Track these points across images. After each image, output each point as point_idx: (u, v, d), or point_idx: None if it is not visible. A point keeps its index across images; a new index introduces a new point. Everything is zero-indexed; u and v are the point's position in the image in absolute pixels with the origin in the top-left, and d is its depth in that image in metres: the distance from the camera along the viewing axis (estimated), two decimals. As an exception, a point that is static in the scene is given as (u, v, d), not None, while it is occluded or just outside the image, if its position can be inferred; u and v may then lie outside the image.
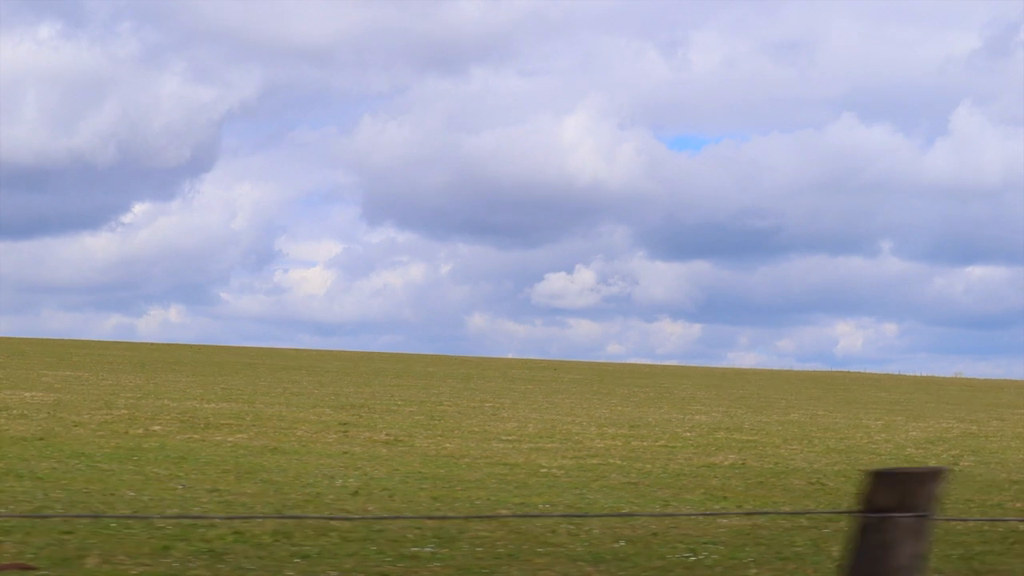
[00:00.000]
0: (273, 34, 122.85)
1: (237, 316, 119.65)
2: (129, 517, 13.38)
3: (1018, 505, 18.57)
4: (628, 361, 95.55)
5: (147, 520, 13.06)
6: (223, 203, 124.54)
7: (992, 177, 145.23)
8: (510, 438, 25.46)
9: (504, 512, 15.73)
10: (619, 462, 21.87)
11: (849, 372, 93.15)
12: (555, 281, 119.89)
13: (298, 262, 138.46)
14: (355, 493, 16.62)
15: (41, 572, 10.88)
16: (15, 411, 25.87)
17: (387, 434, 24.99)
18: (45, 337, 72.68)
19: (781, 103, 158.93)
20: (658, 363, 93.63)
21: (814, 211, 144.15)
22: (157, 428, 23.91)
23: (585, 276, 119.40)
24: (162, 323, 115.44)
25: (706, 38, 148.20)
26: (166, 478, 17.21)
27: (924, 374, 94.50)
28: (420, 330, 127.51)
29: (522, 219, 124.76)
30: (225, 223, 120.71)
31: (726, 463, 22.53)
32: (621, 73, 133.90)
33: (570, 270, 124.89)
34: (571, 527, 13.93)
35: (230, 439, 22.74)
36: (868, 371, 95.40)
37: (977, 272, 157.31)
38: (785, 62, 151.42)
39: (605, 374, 66.38)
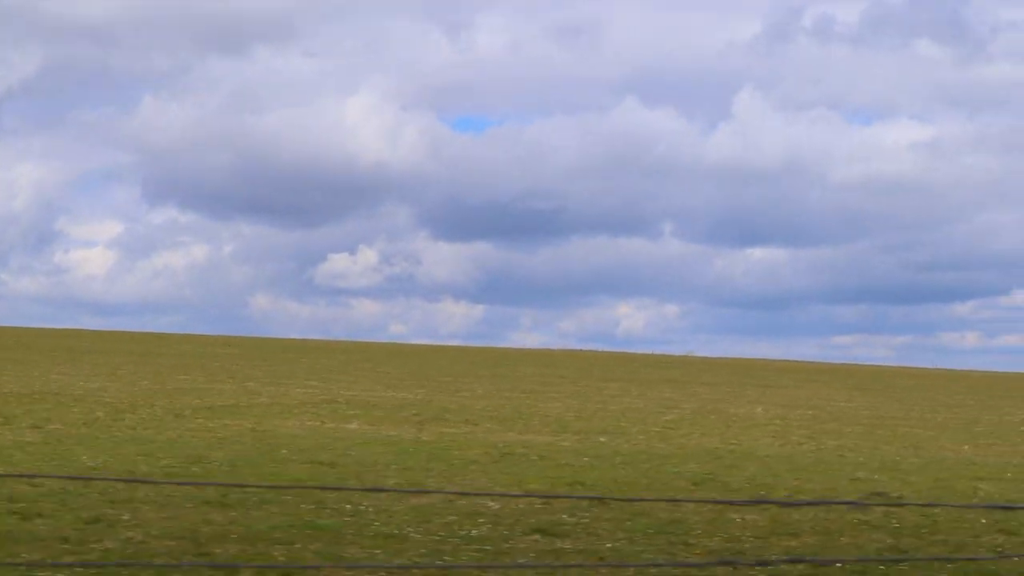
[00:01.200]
0: (53, 12, 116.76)
1: (17, 297, 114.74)
2: None
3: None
4: (411, 341, 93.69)
5: None
6: (2, 184, 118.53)
7: (772, 161, 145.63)
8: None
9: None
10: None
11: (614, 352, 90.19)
12: (338, 262, 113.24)
13: (79, 243, 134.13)
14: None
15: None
16: None
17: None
18: None
19: (565, 86, 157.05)
20: (440, 343, 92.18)
21: (597, 193, 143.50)
22: None
23: (368, 257, 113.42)
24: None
25: (491, 21, 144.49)
26: None
27: (701, 355, 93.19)
28: (202, 311, 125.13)
29: (306, 200, 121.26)
30: (4, 204, 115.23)
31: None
32: (405, 55, 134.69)
33: (353, 251, 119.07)
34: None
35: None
36: (652, 351, 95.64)
37: (757, 254, 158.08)
38: (570, 45, 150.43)
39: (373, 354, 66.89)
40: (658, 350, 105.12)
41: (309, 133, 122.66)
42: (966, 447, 27.29)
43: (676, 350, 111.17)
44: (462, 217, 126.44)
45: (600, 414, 31.69)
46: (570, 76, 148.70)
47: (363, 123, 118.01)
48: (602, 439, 25.25)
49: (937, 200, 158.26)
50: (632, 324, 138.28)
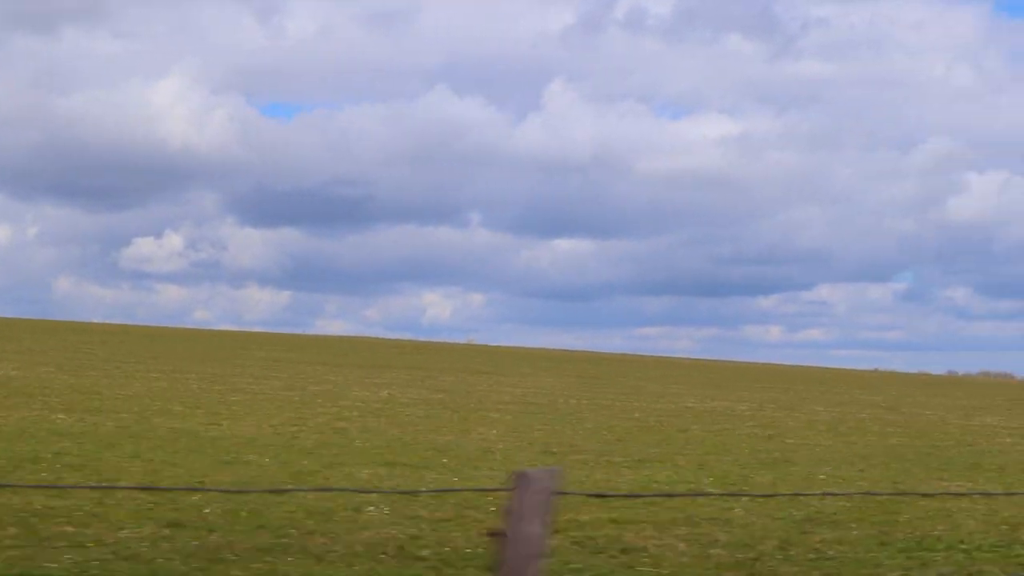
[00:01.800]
0: None
1: None
2: None
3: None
4: (215, 327, 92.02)
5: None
6: None
7: (581, 152, 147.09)
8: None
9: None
10: None
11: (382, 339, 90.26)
12: (143, 246, 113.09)
13: None
14: None
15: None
16: None
17: None
18: None
19: (375, 73, 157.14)
20: (243, 329, 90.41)
21: (405, 181, 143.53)
22: None
23: (174, 241, 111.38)
24: None
25: (302, 5, 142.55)
26: None
27: (508, 344, 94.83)
28: (3, 293, 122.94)
29: (111, 183, 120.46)
30: None
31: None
32: (216, 38, 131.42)
33: (159, 235, 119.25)
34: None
35: None
36: (452, 340, 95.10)
37: (564, 245, 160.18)
38: (381, 32, 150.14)
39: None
40: (463, 339, 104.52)
41: (117, 115, 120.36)
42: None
43: (482, 339, 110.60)
44: (269, 203, 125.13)
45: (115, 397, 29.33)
46: (381, 63, 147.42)
47: (171, 106, 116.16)
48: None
49: (744, 195, 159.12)
50: (438, 313, 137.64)
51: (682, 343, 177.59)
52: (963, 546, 13.93)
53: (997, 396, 56.61)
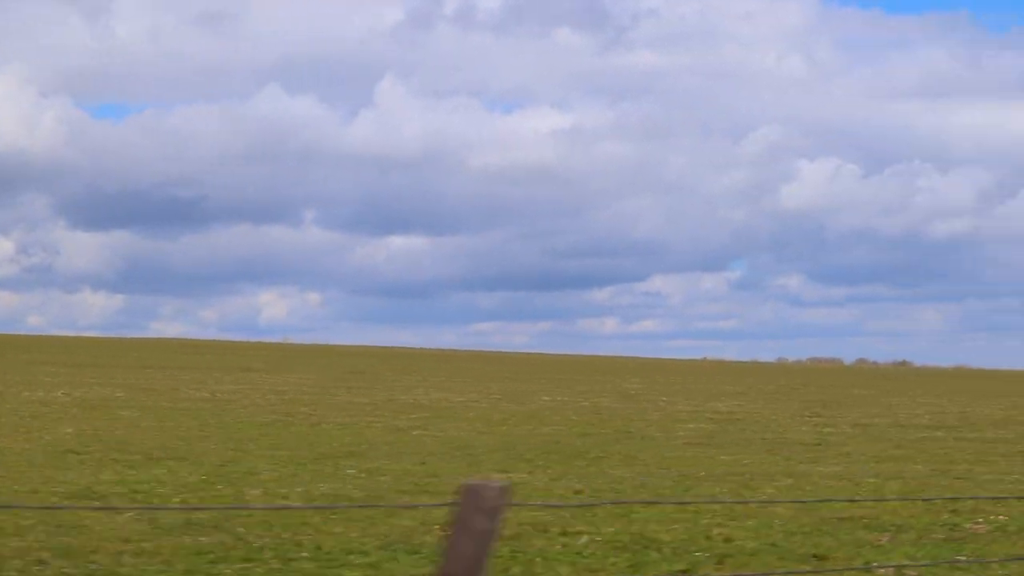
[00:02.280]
0: None
1: None
2: None
3: None
4: (48, 333, 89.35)
5: None
6: None
7: (413, 148, 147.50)
8: None
9: None
10: None
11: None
12: None
13: None
14: None
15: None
16: None
17: None
18: None
19: (207, 72, 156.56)
20: (77, 334, 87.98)
21: (239, 181, 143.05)
22: None
23: (4, 246, 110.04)
24: None
25: (131, 5, 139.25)
26: None
27: (346, 343, 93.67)
28: None
29: None
30: None
31: None
32: (44, 39, 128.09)
33: None
34: None
35: None
36: (299, 341, 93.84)
37: (398, 242, 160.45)
38: (212, 31, 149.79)
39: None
40: (298, 339, 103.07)
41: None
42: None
43: (318, 339, 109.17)
44: (101, 206, 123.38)
45: None
46: (212, 63, 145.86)
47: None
48: None
49: (577, 187, 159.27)
50: (274, 313, 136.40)
51: (519, 338, 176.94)
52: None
53: (775, 381, 56.05)
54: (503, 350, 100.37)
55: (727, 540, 13.18)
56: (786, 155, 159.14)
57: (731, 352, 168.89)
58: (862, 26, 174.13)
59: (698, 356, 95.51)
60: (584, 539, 12.86)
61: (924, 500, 15.82)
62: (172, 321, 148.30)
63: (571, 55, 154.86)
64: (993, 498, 15.85)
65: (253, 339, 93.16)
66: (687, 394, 42.96)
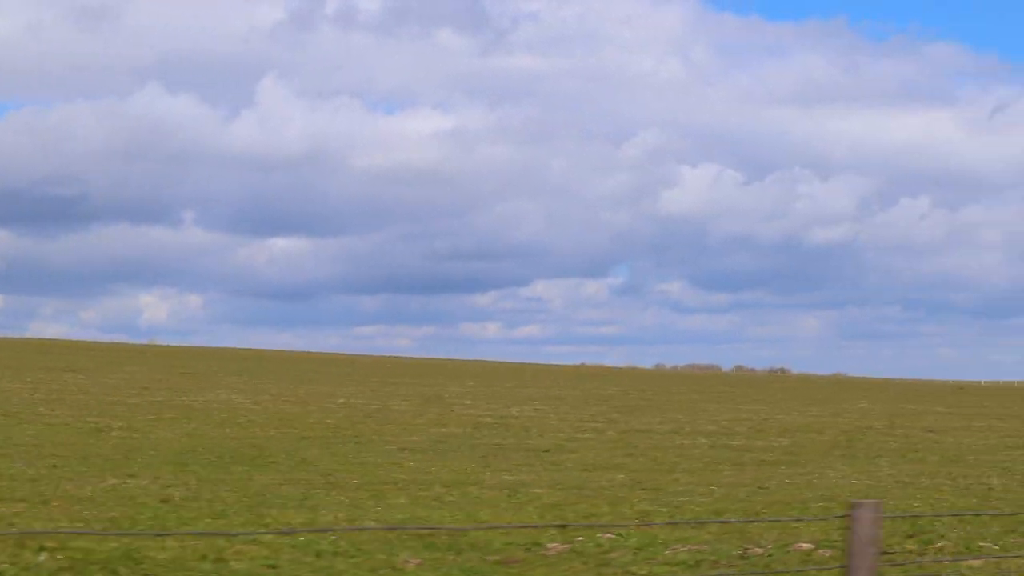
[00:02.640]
0: None
1: None
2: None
3: None
4: None
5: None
6: None
7: (295, 149, 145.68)
8: None
9: None
10: None
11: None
12: None
13: None
14: None
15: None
16: None
17: None
18: None
19: (86, 70, 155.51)
20: None
21: (118, 180, 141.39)
22: None
23: None
24: None
25: (8, 2, 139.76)
26: None
27: (223, 345, 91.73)
28: None
29: None
30: None
31: None
32: None
33: None
34: None
35: None
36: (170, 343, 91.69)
37: (280, 243, 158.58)
38: (91, 29, 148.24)
39: None
40: (179, 341, 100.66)
41: None
42: None
43: (200, 341, 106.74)
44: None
45: None
46: (92, 60, 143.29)
47: None
48: None
49: (459, 190, 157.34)
50: (155, 314, 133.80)
51: (401, 342, 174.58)
52: None
53: (609, 386, 54.63)
54: (385, 354, 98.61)
55: (218, 560, 11.29)
56: (667, 160, 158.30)
57: (613, 358, 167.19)
58: (741, 32, 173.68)
59: (578, 362, 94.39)
60: (43, 555, 10.95)
61: (526, 527, 14.01)
62: (52, 321, 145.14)
63: (452, 57, 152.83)
64: (600, 526, 14.05)
65: (134, 341, 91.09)
66: (498, 399, 41.29)
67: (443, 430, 27.92)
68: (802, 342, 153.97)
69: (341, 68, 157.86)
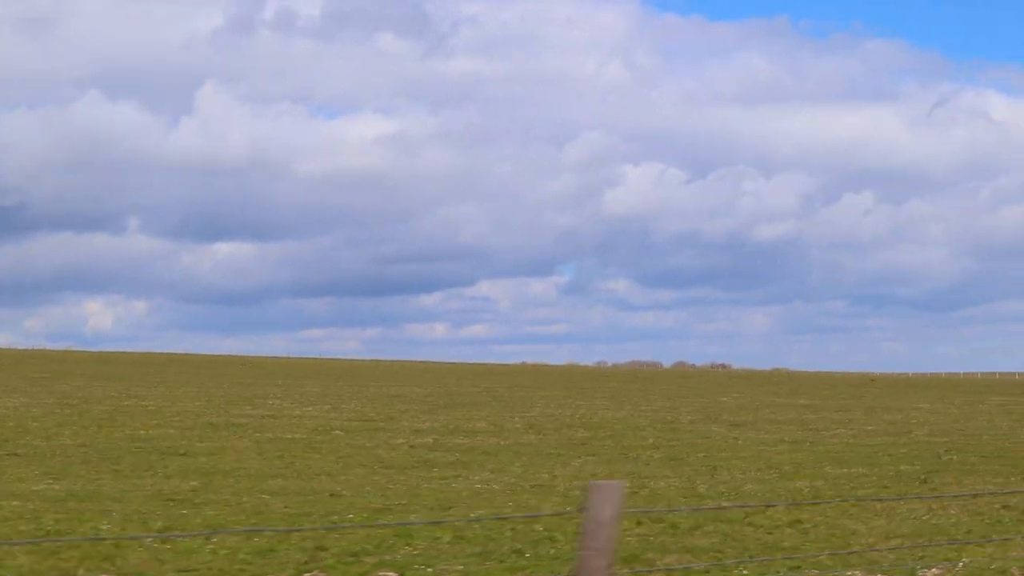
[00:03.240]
0: None
1: None
2: None
3: None
4: None
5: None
6: None
7: (237, 155, 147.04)
8: None
9: None
10: None
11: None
12: None
13: None
14: None
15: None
16: None
17: None
18: None
19: (27, 79, 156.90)
20: None
21: (60, 188, 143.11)
22: None
23: None
24: None
25: None
26: None
27: (173, 351, 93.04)
28: None
29: None
30: None
31: None
32: None
33: None
34: None
35: None
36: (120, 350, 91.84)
37: (225, 249, 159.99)
38: (31, 36, 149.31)
39: None
40: (125, 347, 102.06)
41: None
42: None
43: (146, 347, 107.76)
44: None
45: None
46: (32, 69, 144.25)
47: None
48: None
49: (402, 193, 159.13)
50: (100, 322, 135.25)
51: (350, 344, 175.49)
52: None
53: (504, 382, 56.22)
54: (334, 356, 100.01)
55: None
56: (610, 160, 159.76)
57: (560, 356, 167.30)
58: (683, 32, 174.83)
59: (523, 360, 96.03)
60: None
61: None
62: None
63: (394, 61, 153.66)
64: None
65: (79, 348, 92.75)
66: (344, 398, 43.02)
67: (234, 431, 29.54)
68: (749, 338, 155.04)
69: (282, 74, 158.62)
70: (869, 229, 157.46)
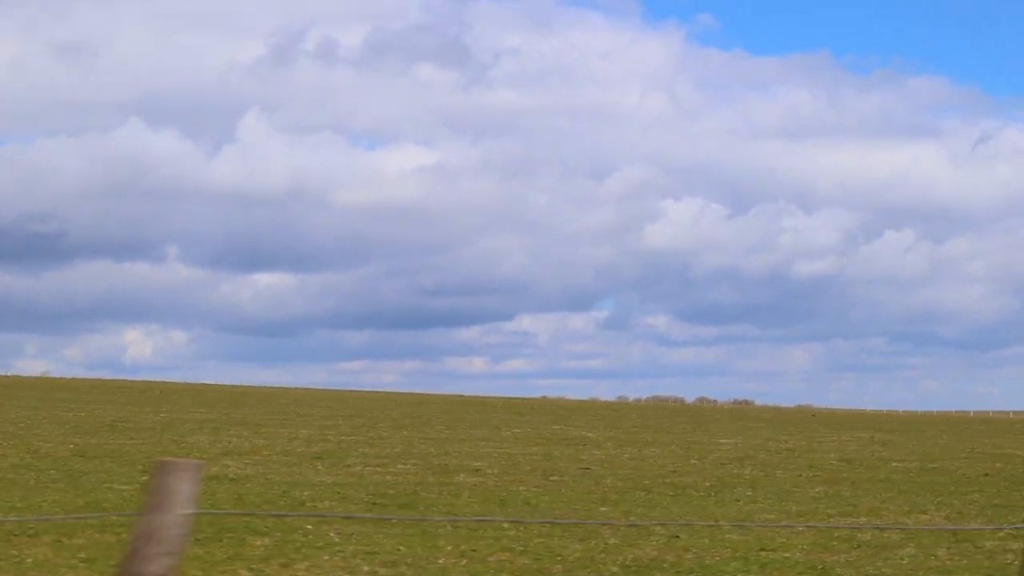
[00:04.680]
0: None
1: None
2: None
3: None
4: None
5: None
6: None
7: (277, 185, 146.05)
8: None
9: None
10: None
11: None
12: None
13: None
14: None
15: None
16: None
17: None
18: None
19: (69, 105, 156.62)
20: None
21: (100, 216, 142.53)
22: None
23: None
24: None
25: None
26: None
27: (210, 382, 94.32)
28: None
29: None
30: None
31: None
32: None
33: None
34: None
35: None
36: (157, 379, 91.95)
37: (264, 279, 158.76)
38: (73, 64, 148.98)
39: None
40: (164, 377, 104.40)
41: None
42: None
43: (184, 376, 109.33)
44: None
45: None
46: (74, 96, 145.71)
47: None
48: None
49: (441, 225, 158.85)
50: (139, 351, 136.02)
51: (388, 376, 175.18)
52: None
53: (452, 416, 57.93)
54: (371, 389, 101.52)
55: None
56: (650, 194, 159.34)
57: (602, 391, 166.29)
58: (725, 66, 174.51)
59: (574, 396, 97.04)
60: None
61: None
62: (36, 359, 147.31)
63: (434, 92, 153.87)
64: None
65: (119, 377, 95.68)
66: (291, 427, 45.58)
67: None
68: (788, 375, 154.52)
69: (323, 103, 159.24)
70: (910, 266, 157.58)
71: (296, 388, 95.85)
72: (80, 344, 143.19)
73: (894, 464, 32.45)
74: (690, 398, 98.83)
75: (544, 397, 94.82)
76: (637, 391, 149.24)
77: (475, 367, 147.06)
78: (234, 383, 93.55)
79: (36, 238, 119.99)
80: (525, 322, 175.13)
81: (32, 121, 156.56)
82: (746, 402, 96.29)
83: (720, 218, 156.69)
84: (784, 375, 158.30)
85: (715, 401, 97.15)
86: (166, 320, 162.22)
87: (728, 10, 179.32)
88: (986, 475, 29.15)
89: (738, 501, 21.67)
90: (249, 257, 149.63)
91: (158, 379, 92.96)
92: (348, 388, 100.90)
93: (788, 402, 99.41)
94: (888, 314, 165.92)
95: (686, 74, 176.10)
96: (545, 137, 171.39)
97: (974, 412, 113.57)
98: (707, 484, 24.72)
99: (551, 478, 25.33)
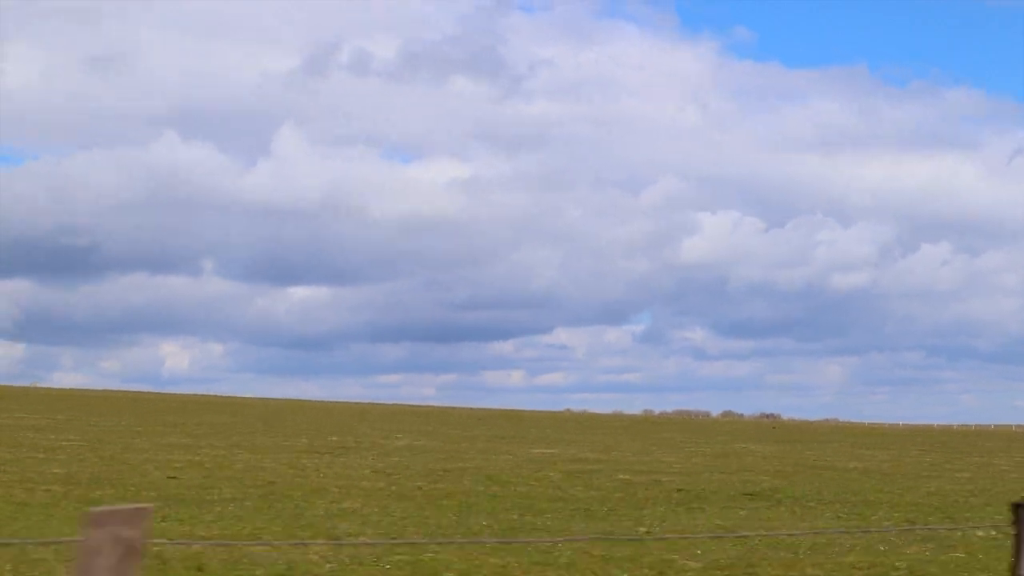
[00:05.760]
0: None
1: None
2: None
3: None
4: None
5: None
6: None
7: (311, 197, 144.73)
8: None
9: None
10: None
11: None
12: None
13: None
14: None
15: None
16: None
17: None
18: None
19: (103, 119, 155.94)
20: None
21: (135, 229, 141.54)
22: None
23: None
24: None
25: (20, 50, 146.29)
26: None
27: (245, 395, 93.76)
28: None
29: None
30: None
31: None
32: None
33: None
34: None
35: None
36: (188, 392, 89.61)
37: (299, 293, 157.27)
38: (107, 77, 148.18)
39: None
40: (200, 390, 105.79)
41: None
42: None
43: (221, 389, 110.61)
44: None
45: None
46: (108, 109, 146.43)
47: None
48: None
49: (476, 238, 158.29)
50: (176, 363, 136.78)
51: (425, 390, 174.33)
52: None
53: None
54: (408, 402, 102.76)
55: None
56: (686, 207, 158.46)
57: (637, 404, 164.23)
58: (760, 78, 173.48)
59: (605, 410, 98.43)
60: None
61: None
62: (73, 371, 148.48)
63: (468, 104, 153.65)
64: None
65: (157, 390, 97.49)
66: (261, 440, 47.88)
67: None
68: (820, 389, 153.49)
69: (357, 117, 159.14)
70: (946, 279, 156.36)
71: (332, 401, 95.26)
72: (116, 357, 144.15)
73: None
74: (716, 412, 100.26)
75: (568, 410, 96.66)
76: (666, 404, 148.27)
77: (513, 380, 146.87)
78: (278, 396, 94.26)
79: (72, 251, 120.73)
80: (562, 335, 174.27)
81: (66, 134, 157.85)
82: (772, 416, 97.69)
83: (756, 231, 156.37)
84: (816, 389, 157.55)
85: (741, 415, 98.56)
86: (202, 333, 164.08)
87: (764, 22, 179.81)
88: None
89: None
90: (284, 270, 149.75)
91: (198, 392, 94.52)
92: (386, 402, 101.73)
93: (816, 416, 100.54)
94: (923, 327, 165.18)
95: (721, 86, 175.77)
96: (579, 149, 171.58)
97: (1015, 426, 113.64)
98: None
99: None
